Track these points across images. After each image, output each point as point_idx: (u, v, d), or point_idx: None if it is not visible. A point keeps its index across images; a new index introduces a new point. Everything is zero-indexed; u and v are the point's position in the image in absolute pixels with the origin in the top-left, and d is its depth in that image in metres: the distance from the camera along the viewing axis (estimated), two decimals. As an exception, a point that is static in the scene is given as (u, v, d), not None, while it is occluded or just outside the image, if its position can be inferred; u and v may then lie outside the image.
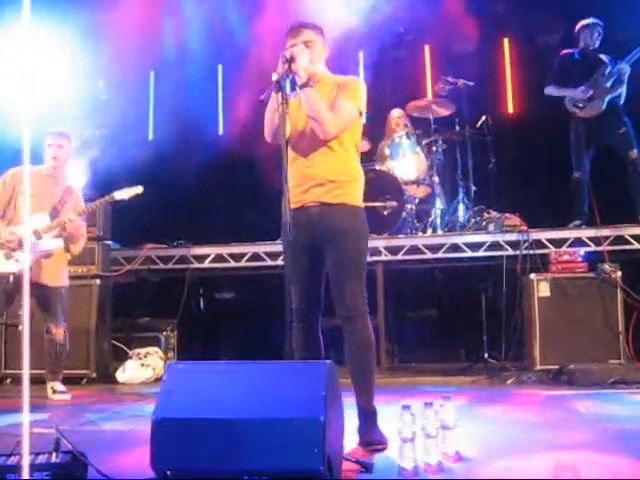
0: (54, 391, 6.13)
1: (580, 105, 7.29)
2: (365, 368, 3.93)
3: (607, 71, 7.23)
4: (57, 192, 6.22)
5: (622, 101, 7.27)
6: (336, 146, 3.99)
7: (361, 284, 3.95)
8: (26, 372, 2.28)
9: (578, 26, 7.47)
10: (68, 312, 6.26)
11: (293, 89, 4.02)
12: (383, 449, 3.76)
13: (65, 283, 6.26)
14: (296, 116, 4.06)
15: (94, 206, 6.21)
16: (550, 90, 7.50)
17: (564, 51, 7.59)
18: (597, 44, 7.39)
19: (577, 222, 7.26)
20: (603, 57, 7.36)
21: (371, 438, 3.81)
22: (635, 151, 7.13)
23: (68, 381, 6.77)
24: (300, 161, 4.02)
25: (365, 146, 7.90)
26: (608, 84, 7.20)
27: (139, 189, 6.20)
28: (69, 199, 6.23)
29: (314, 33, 4.08)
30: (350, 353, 3.93)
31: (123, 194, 6.18)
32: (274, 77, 3.78)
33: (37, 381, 6.00)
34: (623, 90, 7.20)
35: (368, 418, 3.89)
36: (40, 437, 3.38)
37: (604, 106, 7.20)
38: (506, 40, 9.17)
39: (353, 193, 4.02)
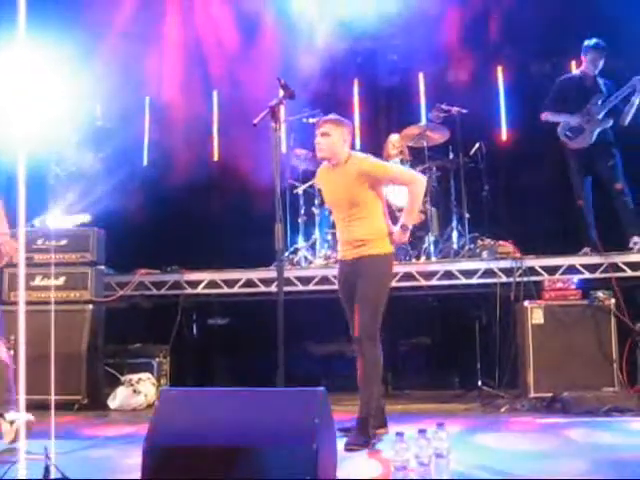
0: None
1: (570, 135, 7.30)
2: (368, 380, 4.75)
3: (601, 101, 7.23)
4: None
5: (613, 135, 7.29)
6: (368, 213, 4.97)
7: (375, 315, 4.88)
8: (22, 397, 2.27)
9: (584, 46, 7.40)
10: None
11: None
12: (357, 449, 4.51)
13: None
14: (334, 188, 5.02)
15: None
16: (546, 116, 7.49)
17: (563, 76, 7.60)
18: (597, 70, 7.35)
19: (586, 249, 7.24)
20: (600, 83, 7.34)
21: (353, 439, 4.61)
22: (620, 183, 7.16)
23: (59, 407, 6.72)
24: (343, 225, 5.07)
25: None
26: (600, 116, 7.19)
27: (85, 217, 5.75)
28: None
29: (333, 127, 4.90)
30: (359, 371, 4.80)
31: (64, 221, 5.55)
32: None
33: (31, 406, 5.95)
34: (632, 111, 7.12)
35: (359, 422, 4.69)
36: (30, 463, 3.35)
37: (593, 138, 7.21)
38: (500, 68, 9.22)
39: (379, 246, 5.01)
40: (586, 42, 7.38)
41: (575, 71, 7.68)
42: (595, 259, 7.04)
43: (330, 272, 7.03)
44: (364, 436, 4.66)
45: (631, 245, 7.06)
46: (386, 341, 7.63)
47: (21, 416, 2.08)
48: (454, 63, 9.07)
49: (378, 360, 4.84)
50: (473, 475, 3.78)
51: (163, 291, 7.74)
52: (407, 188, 5.13)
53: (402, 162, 7.90)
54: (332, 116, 5.05)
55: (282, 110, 3.97)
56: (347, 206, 4.97)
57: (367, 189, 4.91)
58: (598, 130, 7.21)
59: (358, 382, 4.82)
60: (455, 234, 7.86)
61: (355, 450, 4.50)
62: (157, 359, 7.51)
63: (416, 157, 8.16)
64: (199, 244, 8.81)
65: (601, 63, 7.34)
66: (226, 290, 7.67)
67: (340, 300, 5.16)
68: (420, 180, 5.11)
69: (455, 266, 7.31)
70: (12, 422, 4.83)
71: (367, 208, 4.97)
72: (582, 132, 7.26)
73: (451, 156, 8.07)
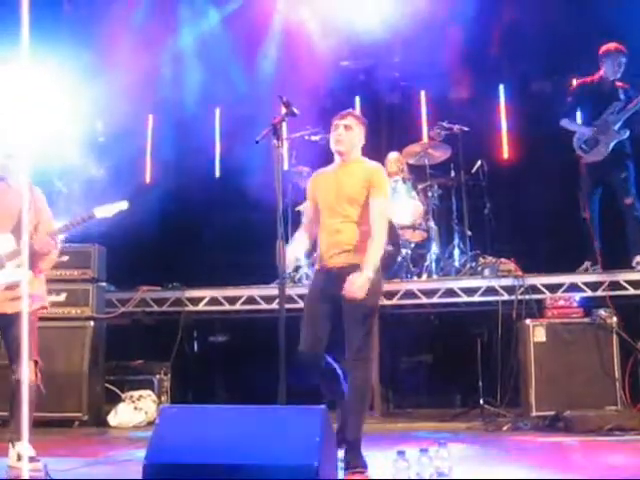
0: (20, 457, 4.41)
1: (585, 148, 7.18)
2: (358, 407, 4.46)
3: (617, 110, 7.09)
4: (15, 201, 4.87)
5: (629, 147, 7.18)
6: (363, 219, 4.59)
7: (369, 333, 4.51)
8: (25, 414, 2.25)
9: (601, 51, 7.24)
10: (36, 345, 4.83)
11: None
12: (362, 473, 4.22)
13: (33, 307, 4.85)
14: (326, 190, 4.68)
15: (70, 225, 5.11)
16: (564, 123, 7.34)
17: (580, 80, 7.45)
18: (618, 75, 7.19)
19: (587, 263, 7.23)
20: (620, 89, 7.19)
21: (353, 462, 4.29)
22: (631, 197, 7.07)
23: (59, 424, 6.70)
24: (333, 227, 4.64)
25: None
26: (616, 127, 7.07)
27: (123, 205, 5.47)
28: (31, 208, 4.91)
29: (356, 122, 4.72)
30: (350, 387, 4.48)
31: (105, 211, 5.30)
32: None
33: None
34: None
35: (352, 446, 4.35)
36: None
37: (609, 151, 7.08)
38: (501, 86, 9.25)
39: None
40: (603, 48, 7.21)
41: (594, 75, 7.36)
42: (597, 277, 7.02)
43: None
44: (361, 458, 4.40)
45: (634, 264, 7.03)
46: (387, 359, 7.70)
47: (24, 432, 2.05)
48: (455, 81, 9.10)
49: (369, 382, 4.62)
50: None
51: (164, 308, 7.73)
52: (372, 235, 4.56)
53: (403, 180, 7.89)
54: (354, 111, 4.83)
55: (284, 127, 3.96)
56: (346, 204, 4.62)
57: (366, 196, 4.62)
58: (614, 142, 7.09)
59: (347, 404, 4.51)
60: (457, 252, 7.85)
61: (360, 473, 4.29)
62: (158, 376, 7.49)
63: (417, 175, 8.16)
64: (201, 261, 8.81)
65: (621, 67, 7.16)
66: (227, 307, 7.66)
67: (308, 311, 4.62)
68: (384, 237, 4.60)
69: (457, 284, 7.30)
70: (19, 456, 4.41)
71: (364, 214, 4.63)
72: (597, 144, 7.13)
73: (453, 174, 8.07)
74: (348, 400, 4.49)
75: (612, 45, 7.21)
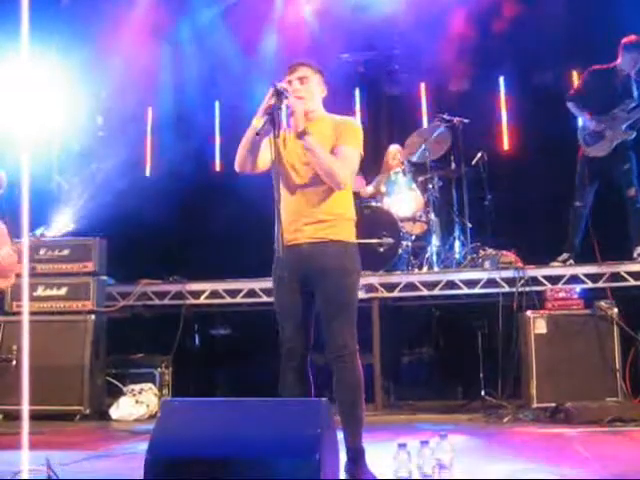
0: None
1: (589, 141, 7.11)
2: (354, 407, 3.90)
3: (630, 108, 6.98)
4: None
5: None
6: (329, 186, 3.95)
7: (352, 322, 3.93)
8: (25, 407, 2.25)
9: (623, 41, 7.04)
10: None
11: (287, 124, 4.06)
12: None
13: None
14: (286, 152, 4.04)
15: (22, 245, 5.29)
16: (570, 105, 7.23)
17: (595, 67, 7.24)
18: (633, 71, 7.02)
19: (565, 255, 7.22)
20: (634, 84, 7.02)
21: (358, 477, 3.77)
22: (634, 189, 7.03)
23: (61, 417, 6.71)
24: (293, 197, 3.98)
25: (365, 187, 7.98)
26: (624, 125, 6.98)
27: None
28: None
29: (310, 71, 4.07)
30: (339, 392, 3.91)
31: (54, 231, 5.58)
32: (265, 109, 3.82)
33: (32, 417, 5.93)
34: None
35: (355, 456, 3.84)
36: (31, 474, 3.33)
37: (612, 148, 7.02)
38: (502, 78, 9.24)
39: (346, 230, 4.00)
40: (626, 39, 7.01)
41: (610, 64, 7.17)
42: (598, 268, 7.02)
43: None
44: (366, 470, 3.83)
45: (635, 255, 7.03)
46: (388, 351, 7.70)
47: (24, 424, 2.06)
48: (456, 73, 9.08)
49: (362, 379, 3.93)
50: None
51: (165, 301, 7.74)
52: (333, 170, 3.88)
53: (403, 172, 7.89)
54: (305, 59, 4.19)
55: (283, 116, 3.91)
56: (306, 170, 3.96)
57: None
58: (618, 141, 7.01)
59: (340, 405, 3.90)
60: (457, 244, 7.86)
61: None
62: (159, 369, 7.49)
63: (418, 167, 8.16)
64: (201, 254, 8.80)
65: (638, 63, 6.98)
66: (228, 300, 7.67)
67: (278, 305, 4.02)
68: (343, 171, 3.87)
69: (457, 276, 7.30)
70: None
71: None
72: (602, 139, 7.05)
73: (453, 166, 8.07)
74: (342, 403, 3.90)
75: (635, 38, 7.01)
